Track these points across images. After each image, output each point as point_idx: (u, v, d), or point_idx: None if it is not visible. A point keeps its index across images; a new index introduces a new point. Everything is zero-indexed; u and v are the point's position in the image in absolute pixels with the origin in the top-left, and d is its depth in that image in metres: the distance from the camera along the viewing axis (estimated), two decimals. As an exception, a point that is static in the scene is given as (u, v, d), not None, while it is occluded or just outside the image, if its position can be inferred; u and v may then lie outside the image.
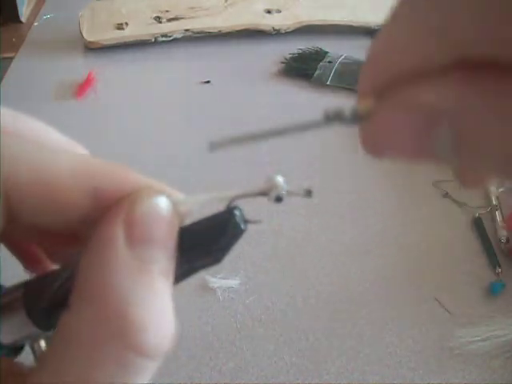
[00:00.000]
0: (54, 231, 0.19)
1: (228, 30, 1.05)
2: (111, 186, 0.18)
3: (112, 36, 1.03)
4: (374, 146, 0.15)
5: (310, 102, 0.90)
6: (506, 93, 0.11)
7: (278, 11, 1.10)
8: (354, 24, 1.09)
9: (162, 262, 0.17)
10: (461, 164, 0.13)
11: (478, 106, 0.11)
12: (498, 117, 0.11)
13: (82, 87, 0.92)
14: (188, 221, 0.19)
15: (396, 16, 0.14)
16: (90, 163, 0.19)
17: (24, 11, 1.18)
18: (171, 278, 0.18)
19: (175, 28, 1.04)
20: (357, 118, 0.15)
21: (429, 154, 0.13)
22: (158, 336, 0.17)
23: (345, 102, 0.90)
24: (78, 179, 0.18)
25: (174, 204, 0.18)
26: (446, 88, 0.12)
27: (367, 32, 1.10)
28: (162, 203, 0.18)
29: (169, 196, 0.18)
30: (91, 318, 0.16)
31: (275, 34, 1.06)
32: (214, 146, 0.17)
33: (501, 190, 0.71)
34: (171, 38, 1.04)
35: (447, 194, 0.71)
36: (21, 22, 1.16)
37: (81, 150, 0.23)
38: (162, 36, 1.03)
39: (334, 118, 0.16)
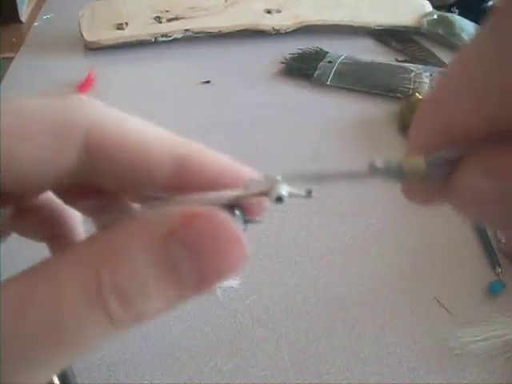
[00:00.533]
0: (126, 192, 0.19)
1: (228, 30, 1.05)
2: (196, 161, 0.18)
3: (112, 36, 1.03)
4: (462, 209, 0.15)
5: (310, 101, 0.90)
6: None
7: (278, 11, 1.10)
8: (354, 24, 1.09)
9: (191, 280, 0.16)
10: None
11: None
12: None
13: (82, 87, 0.92)
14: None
15: (451, 79, 0.14)
16: (178, 137, 0.18)
17: (24, 11, 1.18)
18: (179, 302, 0.17)
19: (175, 28, 1.04)
20: (403, 173, 0.15)
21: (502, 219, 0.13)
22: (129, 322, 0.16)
23: (345, 103, 0.90)
24: (164, 146, 0.18)
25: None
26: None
27: (367, 32, 1.10)
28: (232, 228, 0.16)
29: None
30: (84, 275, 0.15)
31: (275, 33, 1.06)
32: (286, 178, 0.17)
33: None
34: (171, 38, 1.04)
35: (447, 194, 0.71)
36: (21, 22, 1.16)
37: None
38: (162, 36, 1.03)
39: (379, 171, 0.16)
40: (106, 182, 0.18)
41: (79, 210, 0.23)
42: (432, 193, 0.17)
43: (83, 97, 0.18)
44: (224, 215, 0.17)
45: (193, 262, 0.16)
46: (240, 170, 0.18)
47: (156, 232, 0.16)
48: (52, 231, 0.24)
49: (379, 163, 0.16)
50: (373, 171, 0.16)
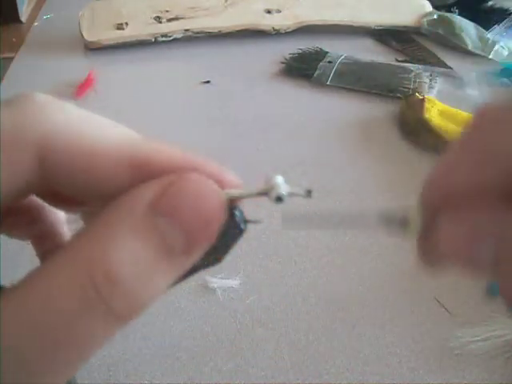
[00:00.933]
0: (87, 200, 0.18)
1: (228, 30, 1.05)
2: (155, 161, 0.17)
3: (112, 36, 1.03)
4: (431, 255, 0.18)
5: (310, 101, 0.90)
6: None
7: (278, 11, 1.10)
8: (354, 24, 1.09)
9: (180, 247, 0.16)
10: (499, 276, 0.16)
11: None
12: None
13: (82, 87, 0.92)
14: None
15: (462, 146, 0.17)
16: (135, 138, 0.18)
17: (24, 11, 1.18)
18: (179, 272, 0.16)
19: (175, 28, 1.04)
20: (407, 226, 0.18)
21: (475, 262, 0.16)
22: (130, 312, 0.15)
23: (345, 103, 0.90)
24: (119, 150, 0.17)
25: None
26: (493, 215, 0.15)
27: (367, 32, 1.10)
28: (209, 186, 0.16)
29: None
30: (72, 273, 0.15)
31: (275, 33, 1.06)
32: (286, 223, 0.18)
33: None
34: (171, 38, 1.04)
35: (447, 194, 0.71)
36: (21, 22, 1.16)
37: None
38: (162, 36, 1.03)
39: (386, 221, 0.18)
40: (67, 190, 0.18)
41: (62, 209, 0.23)
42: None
43: (39, 100, 0.18)
44: (197, 175, 0.17)
45: (180, 229, 0.16)
46: (205, 167, 0.18)
47: (138, 206, 0.16)
48: (36, 231, 0.24)
49: (386, 215, 0.18)
50: (381, 220, 0.18)
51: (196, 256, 0.17)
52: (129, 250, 0.15)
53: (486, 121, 0.15)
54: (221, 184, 0.18)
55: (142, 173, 0.17)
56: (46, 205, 0.23)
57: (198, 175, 0.17)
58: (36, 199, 0.22)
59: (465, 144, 0.16)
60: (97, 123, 0.18)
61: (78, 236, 0.16)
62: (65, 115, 0.17)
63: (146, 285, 0.15)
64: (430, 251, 0.18)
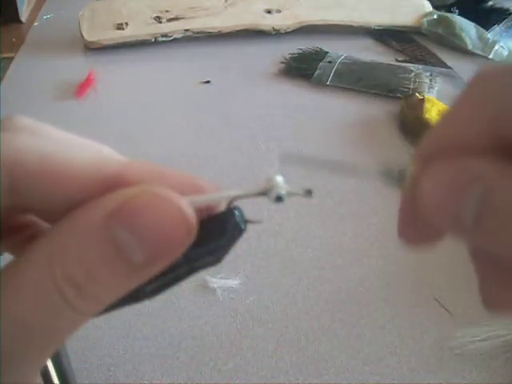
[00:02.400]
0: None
1: (228, 30, 1.05)
2: (126, 176, 0.18)
3: (112, 36, 1.03)
4: (412, 208, 0.17)
5: (310, 101, 0.90)
6: None
7: (278, 11, 1.10)
8: (353, 24, 1.09)
9: (140, 258, 0.16)
10: (478, 238, 0.15)
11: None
12: None
13: (82, 87, 0.92)
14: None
15: (462, 99, 0.16)
16: (104, 156, 0.18)
17: (24, 11, 1.18)
18: (137, 282, 0.17)
19: (175, 28, 1.04)
20: (404, 178, 0.17)
21: (458, 219, 0.15)
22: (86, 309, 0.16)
23: (345, 103, 0.90)
24: (90, 171, 0.18)
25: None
26: (489, 162, 0.14)
27: (367, 32, 1.10)
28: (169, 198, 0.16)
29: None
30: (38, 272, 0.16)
31: (275, 33, 1.06)
32: (284, 159, 0.18)
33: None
34: (171, 38, 1.04)
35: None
36: (21, 22, 1.16)
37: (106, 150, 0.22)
38: (162, 36, 1.04)
39: (385, 175, 0.18)
40: (42, 212, 0.18)
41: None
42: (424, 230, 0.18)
43: (16, 123, 0.18)
44: (161, 188, 0.17)
45: (136, 240, 0.16)
46: (176, 178, 0.18)
47: (95, 217, 0.16)
48: None
49: (385, 169, 0.17)
50: (381, 174, 0.17)
51: (159, 267, 0.17)
52: (84, 260, 0.16)
53: (486, 76, 0.15)
54: (195, 193, 0.18)
55: (113, 188, 0.17)
56: (43, 223, 0.23)
57: (159, 188, 0.17)
58: (33, 218, 0.23)
59: (465, 97, 0.16)
60: (70, 143, 0.19)
61: (46, 235, 0.17)
62: (39, 138, 0.18)
63: (104, 287, 0.16)
64: (413, 212, 0.17)
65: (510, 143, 0.14)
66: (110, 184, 0.18)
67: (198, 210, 0.18)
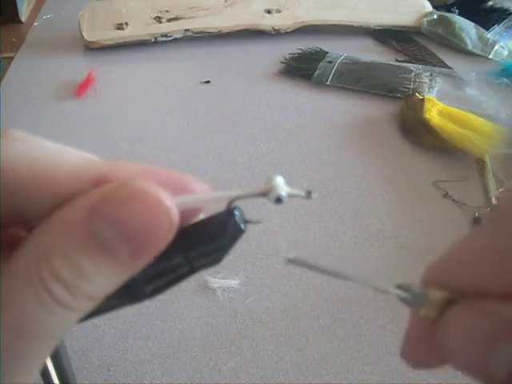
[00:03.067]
0: None
1: (228, 30, 1.05)
2: (114, 176, 0.18)
3: (112, 36, 1.03)
4: (425, 337, 0.16)
5: (310, 101, 0.90)
6: None
7: (278, 11, 1.10)
8: (354, 24, 1.09)
9: (124, 252, 0.16)
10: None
11: None
12: None
13: (82, 87, 0.92)
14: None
15: (483, 238, 0.16)
16: (92, 160, 0.19)
17: (24, 11, 1.18)
18: (124, 276, 0.17)
19: (175, 28, 1.04)
20: (420, 300, 0.16)
21: (487, 367, 0.14)
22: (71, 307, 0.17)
23: (345, 104, 0.90)
24: (78, 172, 0.18)
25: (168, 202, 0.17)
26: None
27: (367, 32, 1.10)
28: (149, 190, 0.16)
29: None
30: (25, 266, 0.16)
31: (275, 33, 1.06)
32: (290, 262, 0.18)
33: (501, 190, 0.71)
34: (171, 38, 1.04)
35: (447, 194, 0.71)
36: (21, 22, 1.16)
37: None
38: (162, 36, 1.04)
39: (403, 293, 0.17)
40: (34, 216, 0.19)
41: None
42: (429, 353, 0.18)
43: (9, 136, 0.18)
44: (140, 182, 0.17)
45: (119, 234, 0.16)
46: (163, 175, 0.18)
47: (78, 213, 0.16)
48: None
49: (403, 286, 0.17)
50: (398, 291, 0.17)
51: (145, 260, 0.17)
52: (69, 256, 0.16)
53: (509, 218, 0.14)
54: (183, 192, 0.18)
55: (99, 187, 0.18)
56: None
57: (138, 181, 0.17)
58: None
59: (484, 237, 0.15)
60: (58, 150, 0.19)
61: (31, 235, 0.17)
62: (28, 145, 0.18)
63: (91, 283, 0.16)
64: (425, 340, 0.17)
65: None
66: (96, 183, 0.18)
67: (193, 210, 0.18)
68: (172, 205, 0.17)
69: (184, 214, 0.18)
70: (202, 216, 0.20)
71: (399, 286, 0.16)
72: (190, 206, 0.19)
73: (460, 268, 0.16)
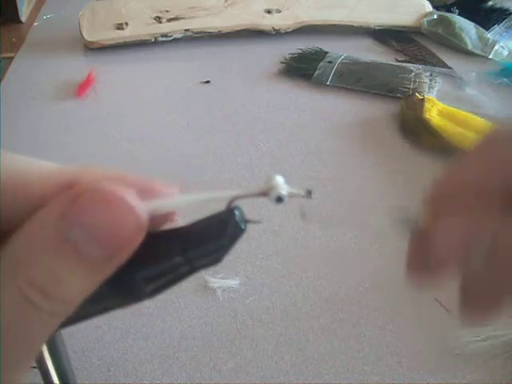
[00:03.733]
0: None
1: (228, 30, 1.05)
2: (83, 181, 0.18)
3: (112, 36, 1.03)
4: (423, 257, 0.19)
5: (310, 102, 0.90)
6: None
7: (278, 11, 1.10)
8: (354, 24, 1.09)
9: (95, 253, 0.17)
10: (485, 279, 0.17)
11: None
12: None
13: (82, 87, 0.92)
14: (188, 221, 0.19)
15: (474, 153, 0.18)
16: (63, 166, 0.19)
17: (24, 11, 1.18)
18: (99, 277, 0.17)
19: (175, 28, 1.04)
20: (417, 219, 0.18)
21: (465, 263, 0.17)
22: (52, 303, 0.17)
23: (345, 104, 0.90)
24: (50, 176, 0.18)
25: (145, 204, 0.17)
26: (495, 213, 0.16)
27: (367, 32, 1.10)
28: (115, 193, 0.17)
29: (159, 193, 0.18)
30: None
31: (275, 33, 1.06)
32: (304, 215, 0.18)
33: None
34: (171, 38, 1.04)
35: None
36: (21, 22, 1.16)
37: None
38: (162, 36, 1.03)
39: (400, 220, 0.19)
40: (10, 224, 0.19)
41: None
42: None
43: None
44: (105, 184, 0.17)
45: (88, 236, 0.17)
46: (129, 179, 0.19)
47: (48, 219, 0.17)
48: None
49: (400, 214, 0.18)
50: (396, 221, 0.18)
51: (118, 260, 0.17)
52: (44, 263, 0.16)
53: (497, 135, 0.17)
54: (150, 195, 0.19)
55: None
56: None
57: (106, 184, 0.17)
58: None
59: (477, 151, 0.18)
60: (30, 161, 0.20)
61: (8, 243, 0.17)
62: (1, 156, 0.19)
63: (67, 287, 0.17)
64: (423, 252, 0.19)
65: None
66: (68, 188, 0.18)
67: (167, 213, 0.19)
68: (137, 204, 0.17)
69: (158, 217, 0.19)
70: (178, 219, 0.20)
71: (396, 211, 0.18)
72: (162, 208, 0.19)
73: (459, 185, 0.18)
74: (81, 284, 0.17)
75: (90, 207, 0.17)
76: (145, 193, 0.18)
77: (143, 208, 0.17)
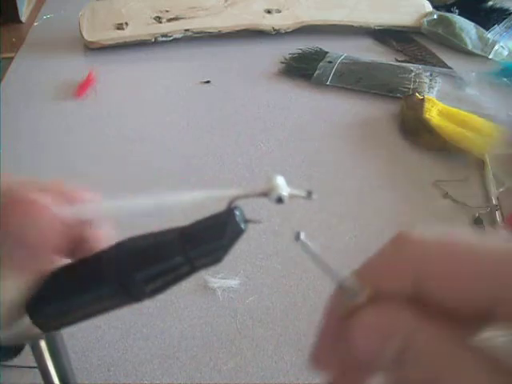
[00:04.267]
0: None
1: (228, 30, 1.05)
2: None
3: (112, 36, 1.03)
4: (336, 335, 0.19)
5: (310, 101, 0.90)
6: (442, 337, 0.16)
7: (278, 11, 1.10)
8: (354, 24, 1.09)
9: (19, 255, 0.18)
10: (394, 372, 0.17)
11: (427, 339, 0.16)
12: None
13: (82, 87, 0.92)
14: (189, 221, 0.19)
15: (393, 259, 0.19)
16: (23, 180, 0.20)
17: (24, 11, 1.18)
18: (30, 277, 0.19)
19: (175, 28, 1.04)
20: (354, 295, 0.18)
21: (378, 359, 0.17)
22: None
23: (345, 104, 0.90)
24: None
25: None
26: (408, 314, 0.17)
27: (367, 32, 1.10)
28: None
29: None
30: None
31: (275, 33, 1.06)
32: (297, 238, 0.18)
33: (501, 190, 0.71)
34: (171, 38, 1.04)
35: (447, 194, 0.71)
36: (21, 22, 1.16)
37: None
38: (162, 36, 1.03)
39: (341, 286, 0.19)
40: None
41: None
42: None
43: None
44: (19, 191, 0.18)
45: (12, 241, 0.18)
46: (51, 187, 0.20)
47: None
48: None
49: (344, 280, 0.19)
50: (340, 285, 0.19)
51: (44, 260, 0.19)
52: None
53: (412, 240, 0.18)
54: (72, 201, 0.20)
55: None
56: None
57: (20, 191, 0.18)
58: None
59: (394, 254, 0.19)
60: None
61: None
62: None
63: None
64: (336, 341, 0.19)
65: (425, 298, 0.17)
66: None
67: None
68: (47, 205, 0.18)
69: (85, 221, 0.20)
70: (94, 224, 0.21)
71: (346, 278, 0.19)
72: (85, 212, 0.20)
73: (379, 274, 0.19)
74: (11, 286, 0.18)
75: (6, 213, 0.18)
76: (70, 199, 0.19)
77: (63, 210, 0.18)
